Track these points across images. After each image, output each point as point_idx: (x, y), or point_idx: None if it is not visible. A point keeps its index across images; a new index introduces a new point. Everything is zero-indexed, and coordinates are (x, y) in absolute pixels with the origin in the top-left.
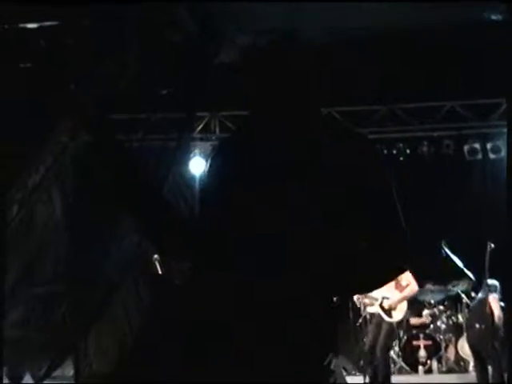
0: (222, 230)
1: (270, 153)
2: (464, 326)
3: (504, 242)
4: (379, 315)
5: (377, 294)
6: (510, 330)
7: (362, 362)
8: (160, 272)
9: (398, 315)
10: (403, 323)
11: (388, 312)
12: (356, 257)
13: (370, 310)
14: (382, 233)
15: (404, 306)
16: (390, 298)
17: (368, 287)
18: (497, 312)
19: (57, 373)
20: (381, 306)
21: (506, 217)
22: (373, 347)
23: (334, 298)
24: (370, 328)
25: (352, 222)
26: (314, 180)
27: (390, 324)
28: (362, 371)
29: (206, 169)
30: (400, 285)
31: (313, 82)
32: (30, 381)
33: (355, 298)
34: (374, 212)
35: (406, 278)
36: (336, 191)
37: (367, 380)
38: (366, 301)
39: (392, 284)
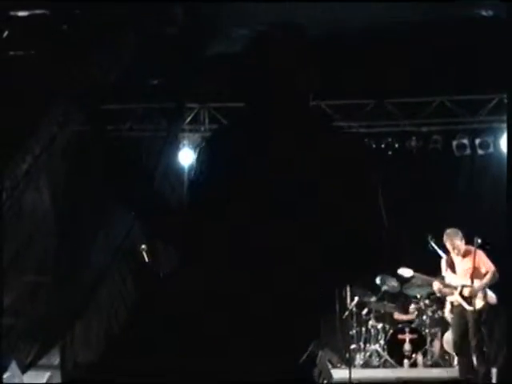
0: (209, 220)
1: (259, 145)
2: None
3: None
4: (459, 304)
5: (456, 282)
6: (510, 330)
7: (347, 355)
8: (147, 262)
9: (479, 303)
10: (388, 317)
11: (469, 300)
12: (337, 249)
13: (450, 299)
14: (359, 229)
15: (485, 293)
16: (470, 286)
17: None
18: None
19: (42, 361)
20: (460, 294)
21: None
22: (462, 337)
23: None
24: (454, 319)
25: (339, 216)
26: (303, 173)
27: (474, 312)
28: (348, 364)
29: (196, 158)
30: (479, 272)
31: (303, 76)
32: (17, 370)
33: (436, 287)
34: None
35: (485, 264)
36: (330, 187)
37: (454, 373)
38: (446, 290)
39: (470, 272)
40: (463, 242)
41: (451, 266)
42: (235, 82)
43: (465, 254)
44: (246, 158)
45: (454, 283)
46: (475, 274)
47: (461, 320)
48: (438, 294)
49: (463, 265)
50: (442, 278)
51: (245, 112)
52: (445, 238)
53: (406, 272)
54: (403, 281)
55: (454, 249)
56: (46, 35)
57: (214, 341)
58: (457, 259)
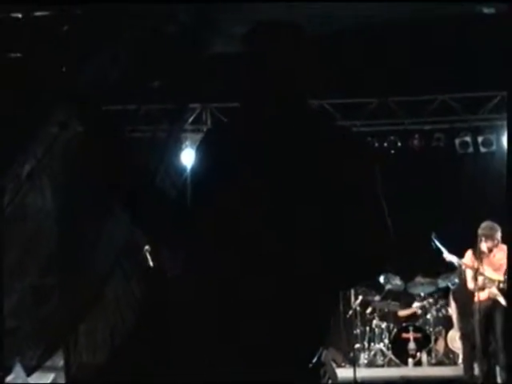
0: (210, 221)
1: (254, 145)
2: (455, 317)
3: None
4: (489, 299)
5: (494, 276)
6: (510, 329)
7: (351, 354)
8: (151, 264)
9: None
10: (392, 316)
11: (506, 295)
12: (340, 252)
13: (483, 294)
14: (363, 231)
15: None
16: (506, 282)
17: (351, 283)
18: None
19: (46, 363)
20: (498, 288)
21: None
22: (487, 337)
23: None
24: (479, 316)
25: (335, 218)
26: (300, 174)
27: (506, 309)
28: (352, 363)
29: (194, 159)
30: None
31: (303, 75)
32: (21, 372)
33: (469, 277)
34: (357, 208)
35: None
36: (321, 187)
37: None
38: (486, 283)
39: (504, 266)
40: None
41: (481, 259)
42: (232, 81)
43: (499, 249)
44: (241, 158)
45: (494, 277)
46: (508, 269)
47: (488, 317)
48: (471, 286)
49: (497, 259)
50: (477, 270)
51: (240, 112)
52: (485, 231)
53: (454, 259)
54: (407, 279)
55: (494, 242)
56: (46, 36)
57: (221, 344)
58: (491, 253)
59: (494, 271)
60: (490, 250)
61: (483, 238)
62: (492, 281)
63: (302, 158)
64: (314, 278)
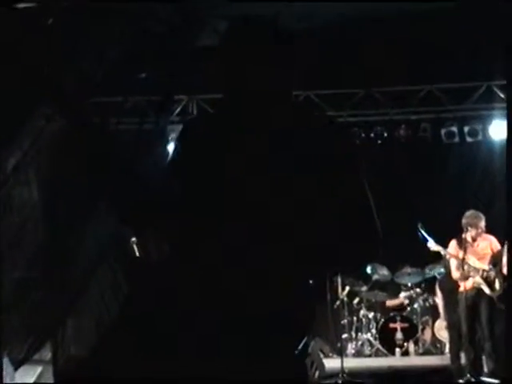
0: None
1: (236, 135)
2: (441, 306)
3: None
4: (474, 289)
5: (478, 265)
6: (509, 329)
7: (339, 344)
8: (138, 255)
9: (498, 289)
10: (380, 306)
11: (490, 285)
12: (326, 246)
13: (467, 283)
14: (351, 223)
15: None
16: (491, 271)
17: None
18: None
19: (34, 356)
20: (482, 277)
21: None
22: (472, 326)
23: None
24: (464, 305)
25: (322, 210)
26: (282, 164)
27: (491, 297)
28: (340, 353)
29: (174, 148)
30: (496, 257)
31: (285, 67)
32: (9, 366)
33: (453, 266)
34: (341, 198)
35: (500, 250)
36: (305, 183)
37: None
38: (470, 272)
39: (489, 256)
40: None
41: (465, 249)
42: (214, 74)
43: (483, 238)
44: (221, 150)
45: (478, 266)
46: (492, 258)
47: (473, 307)
48: (456, 275)
49: (481, 248)
50: (462, 260)
51: (221, 104)
52: (469, 220)
53: (439, 248)
54: (394, 269)
55: (477, 231)
56: (32, 29)
57: (206, 336)
58: (474, 243)
59: (478, 260)
60: (474, 240)
61: (468, 228)
62: (476, 270)
63: (285, 147)
64: (299, 268)
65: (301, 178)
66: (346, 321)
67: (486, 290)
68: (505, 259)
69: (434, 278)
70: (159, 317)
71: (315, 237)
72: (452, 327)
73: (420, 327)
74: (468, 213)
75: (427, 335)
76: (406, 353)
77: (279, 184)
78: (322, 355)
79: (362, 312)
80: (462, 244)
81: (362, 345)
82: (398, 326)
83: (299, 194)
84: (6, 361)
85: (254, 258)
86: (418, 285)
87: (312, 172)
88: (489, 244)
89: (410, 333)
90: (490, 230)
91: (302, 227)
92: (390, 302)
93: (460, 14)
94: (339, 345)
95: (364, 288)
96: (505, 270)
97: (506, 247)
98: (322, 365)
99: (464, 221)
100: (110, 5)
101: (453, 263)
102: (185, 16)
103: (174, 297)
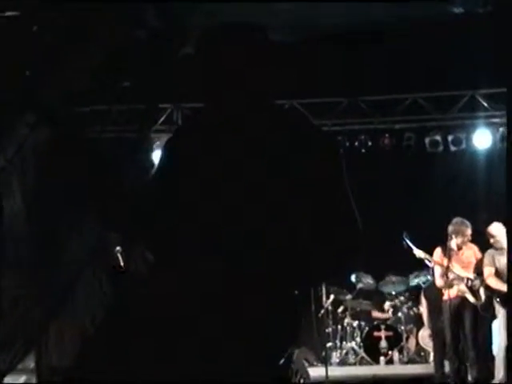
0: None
1: (216, 145)
2: (425, 315)
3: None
4: (459, 297)
5: (462, 273)
6: (509, 331)
7: (323, 353)
8: (122, 264)
9: (482, 297)
10: (364, 314)
11: (474, 293)
12: (305, 250)
13: (452, 292)
14: (331, 227)
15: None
16: (475, 279)
17: (319, 279)
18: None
19: (18, 366)
20: (467, 285)
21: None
22: (457, 334)
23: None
24: (449, 314)
25: (300, 215)
26: (266, 170)
27: (475, 306)
28: (324, 362)
29: (159, 157)
30: (479, 266)
31: (266, 76)
32: None
33: (438, 274)
34: (323, 205)
35: (481, 259)
36: (283, 183)
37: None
38: (454, 280)
39: (473, 264)
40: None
41: (449, 256)
42: (195, 82)
43: (467, 247)
44: (207, 155)
45: (462, 274)
46: (476, 267)
47: (457, 315)
48: (440, 283)
49: (466, 257)
50: (447, 268)
51: (202, 112)
52: (456, 227)
53: (424, 256)
54: (378, 278)
55: (463, 239)
56: (15, 37)
57: (191, 343)
58: (460, 251)
59: (462, 268)
60: (459, 248)
61: (453, 235)
62: (461, 278)
63: (269, 154)
64: (283, 275)
65: (278, 182)
66: (330, 329)
67: (471, 299)
68: (487, 268)
69: (419, 286)
70: (144, 325)
71: (294, 242)
72: (436, 336)
73: (404, 336)
74: (455, 220)
75: (411, 344)
76: (390, 361)
77: (263, 189)
78: (306, 364)
79: (346, 320)
80: (447, 252)
81: (347, 353)
82: (382, 334)
83: (275, 198)
84: None
85: (236, 264)
86: (402, 293)
87: (291, 176)
88: (473, 253)
89: (395, 341)
90: (473, 238)
91: (279, 232)
92: (376, 314)
93: (445, 24)
94: (324, 353)
95: (348, 296)
96: (488, 281)
97: (505, 248)
98: (307, 373)
99: (450, 228)
100: (93, 12)
101: (437, 271)
102: (167, 21)
103: (157, 304)
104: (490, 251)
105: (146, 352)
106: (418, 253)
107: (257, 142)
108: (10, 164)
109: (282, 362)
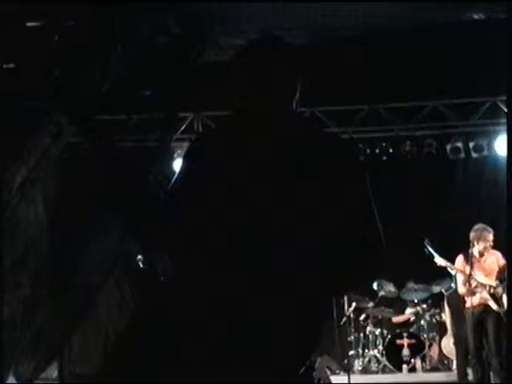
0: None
1: (243, 152)
2: (449, 322)
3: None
4: (481, 305)
5: (485, 280)
6: (510, 333)
7: (346, 361)
8: (144, 272)
9: (504, 305)
10: (386, 322)
11: (497, 301)
12: (331, 256)
13: (474, 299)
14: (354, 233)
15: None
16: (498, 287)
17: (347, 287)
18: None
19: (42, 375)
20: (489, 293)
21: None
22: (480, 341)
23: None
24: (471, 322)
25: (325, 221)
26: (286, 180)
27: (498, 313)
28: (347, 370)
29: (181, 166)
30: (501, 273)
31: (292, 83)
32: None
33: (460, 281)
34: (347, 212)
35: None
36: (309, 190)
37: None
38: (477, 287)
39: (495, 271)
40: None
41: (471, 264)
42: (223, 90)
43: (490, 253)
44: (227, 162)
45: (485, 281)
46: (499, 274)
47: (480, 323)
48: (462, 291)
49: (488, 264)
50: (469, 275)
51: (228, 120)
52: (478, 233)
53: (445, 263)
54: (400, 286)
55: (486, 246)
56: (37, 47)
57: (214, 348)
58: (482, 258)
59: (485, 276)
60: (482, 255)
61: (475, 242)
62: (483, 285)
63: (292, 164)
64: (308, 285)
65: (305, 184)
66: (352, 337)
67: (494, 306)
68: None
69: (441, 293)
70: (166, 334)
71: (323, 245)
72: (459, 343)
73: (427, 343)
74: (477, 226)
75: (434, 351)
76: (413, 369)
77: (285, 198)
78: (328, 372)
79: (368, 328)
80: (469, 259)
81: (369, 361)
82: (404, 342)
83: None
84: (11, 379)
85: (260, 270)
86: (424, 301)
87: (316, 180)
88: (496, 260)
89: (417, 349)
90: (495, 245)
91: (306, 235)
92: (396, 319)
93: (466, 30)
94: (346, 361)
95: (370, 304)
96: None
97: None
98: (329, 381)
99: (472, 234)
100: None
101: (459, 278)
102: (187, 28)
103: (183, 311)
104: None
105: (171, 360)
106: (440, 260)
107: (286, 144)
108: (32, 173)
109: (304, 369)
